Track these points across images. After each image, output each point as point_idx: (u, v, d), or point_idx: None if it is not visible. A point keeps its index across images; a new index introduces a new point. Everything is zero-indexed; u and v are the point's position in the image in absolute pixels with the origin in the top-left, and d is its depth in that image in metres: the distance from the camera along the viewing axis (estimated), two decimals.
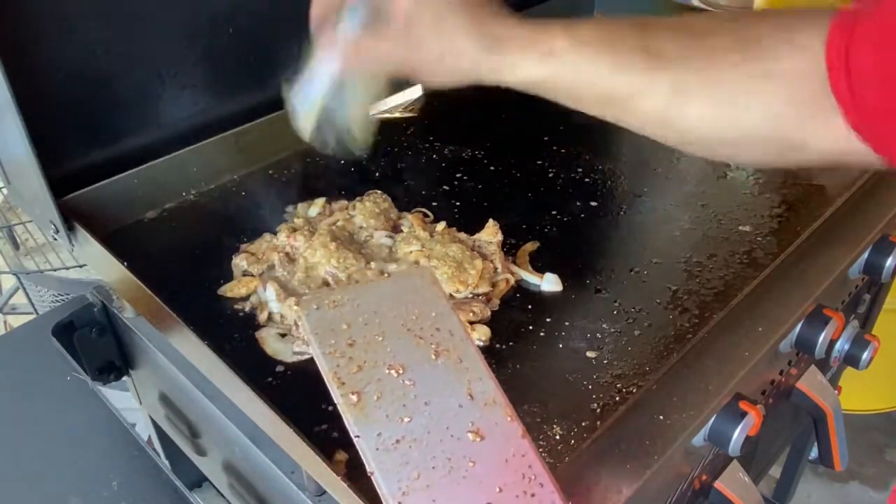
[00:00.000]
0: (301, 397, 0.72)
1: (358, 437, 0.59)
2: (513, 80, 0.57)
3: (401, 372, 0.63)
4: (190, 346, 0.72)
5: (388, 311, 0.68)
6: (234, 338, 0.79)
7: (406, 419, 0.60)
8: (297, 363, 0.76)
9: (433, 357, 0.65)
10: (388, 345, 0.65)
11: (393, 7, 0.58)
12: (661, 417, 0.70)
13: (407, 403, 0.61)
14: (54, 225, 0.86)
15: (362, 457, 0.58)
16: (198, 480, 1.13)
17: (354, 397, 0.61)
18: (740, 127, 0.54)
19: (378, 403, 0.61)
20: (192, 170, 0.99)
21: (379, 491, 0.56)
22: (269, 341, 0.78)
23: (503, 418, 0.61)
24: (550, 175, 1.03)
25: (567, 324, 0.80)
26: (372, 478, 0.57)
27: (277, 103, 1.07)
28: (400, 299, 0.69)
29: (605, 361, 0.75)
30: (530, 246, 0.90)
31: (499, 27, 0.57)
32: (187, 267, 0.88)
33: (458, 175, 1.03)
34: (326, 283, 0.83)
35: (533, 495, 0.57)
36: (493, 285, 0.84)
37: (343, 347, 0.65)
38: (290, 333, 0.78)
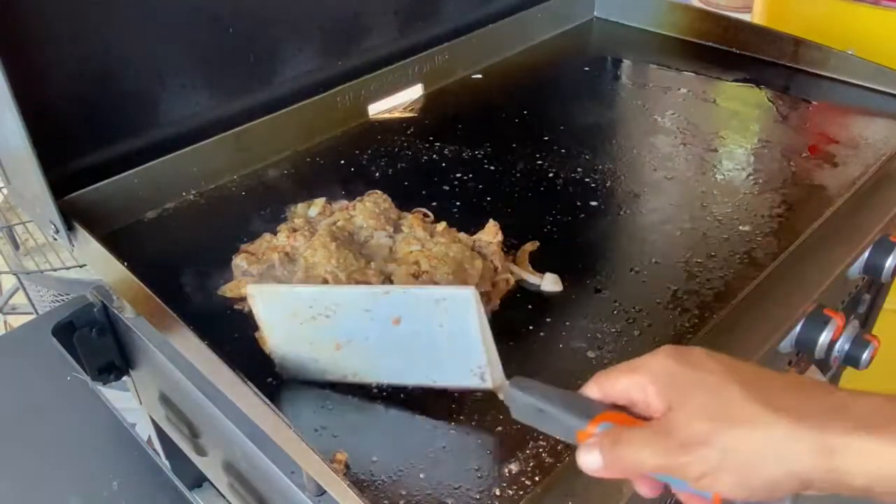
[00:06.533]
0: (301, 397, 0.73)
1: None
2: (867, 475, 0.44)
3: None
4: (190, 346, 0.72)
5: None
6: (234, 338, 0.79)
7: None
8: None
9: None
10: None
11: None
12: None
13: None
14: (54, 225, 0.86)
15: None
16: (198, 480, 1.13)
17: None
18: None
19: None
20: (192, 170, 0.99)
21: None
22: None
23: None
24: (550, 175, 1.03)
25: (567, 324, 0.80)
26: None
27: (277, 103, 1.08)
28: None
29: (605, 361, 0.75)
30: (530, 246, 0.90)
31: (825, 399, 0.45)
32: (187, 267, 0.88)
33: (458, 175, 1.03)
34: (326, 283, 0.83)
35: None
36: (493, 285, 0.84)
37: None
38: None
